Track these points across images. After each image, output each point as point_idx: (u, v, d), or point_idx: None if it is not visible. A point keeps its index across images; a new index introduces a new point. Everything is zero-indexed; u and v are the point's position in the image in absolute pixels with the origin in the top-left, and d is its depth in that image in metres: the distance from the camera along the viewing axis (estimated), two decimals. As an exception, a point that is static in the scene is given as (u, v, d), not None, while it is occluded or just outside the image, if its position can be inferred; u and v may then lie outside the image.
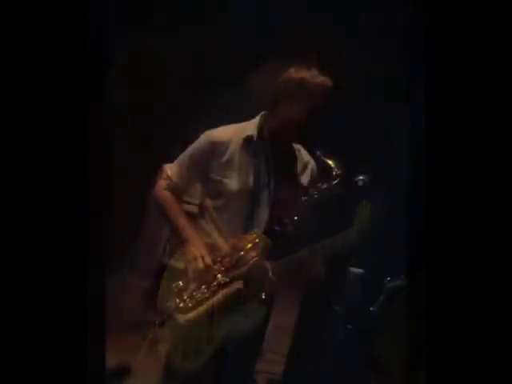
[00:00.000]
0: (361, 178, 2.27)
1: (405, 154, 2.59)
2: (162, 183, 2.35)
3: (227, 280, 2.18)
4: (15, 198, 1.62)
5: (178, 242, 2.28)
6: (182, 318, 2.18)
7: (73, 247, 1.64)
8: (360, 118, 3.10)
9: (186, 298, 2.20)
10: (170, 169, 2.34)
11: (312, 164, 2.38)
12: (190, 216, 2.34)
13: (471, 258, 1.60)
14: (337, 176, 2.21)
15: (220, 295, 2.16)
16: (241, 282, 2.15)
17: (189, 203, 2.59)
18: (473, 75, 1.64)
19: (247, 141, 2.26)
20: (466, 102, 1.65)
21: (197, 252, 2.20)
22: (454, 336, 1.61)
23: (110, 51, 1.94)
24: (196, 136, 2.32)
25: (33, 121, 1.63)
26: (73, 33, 1.67)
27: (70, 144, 1.66)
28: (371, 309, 2.86)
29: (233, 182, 2.23)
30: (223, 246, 2.24)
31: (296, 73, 2.23)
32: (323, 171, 2.27)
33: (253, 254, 2.18)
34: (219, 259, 2.21)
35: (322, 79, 2.21)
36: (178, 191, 2.33)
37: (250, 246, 2.20)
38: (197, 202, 2.37)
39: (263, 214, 2.25)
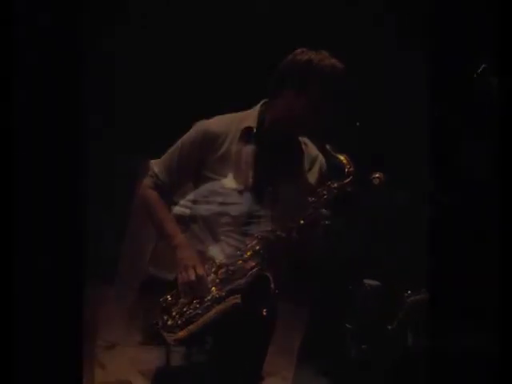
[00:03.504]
0: (377, 175, 2.14)
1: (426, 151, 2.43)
2: (147, 181, 2.21)
3: (223, 294, 2.05)
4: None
5: (166, 249, 2.15)
6: (170, 338, 2.06)
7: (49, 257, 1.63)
8: (377, 107, 2.99)
9: (175, 314, 2.07)
10: (156, 165, 2.20)
11: (321, 160, 2.23)
12: (180, 219, 2.21)
13: (496, 266, 1.54)
14: (349, 173, 2.07)
15: (214, 311, 2.03)
16: (238, 296, 2.01)
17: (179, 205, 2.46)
18: None
19: (246, 133, 2.13)
20: None
21: (188, 261, 2.07)
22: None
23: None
24: (187, 128, 2.19)
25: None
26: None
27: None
28: (389, 327, 2.69)
29: (229, 181, 2.10)
30: (218, 254, 2.11)
31: (302, 54, 2.08)
32: (334, 168, 2.14)
33: (252, 263, 2.05)
34: (214, 270, 2.08)
35: (332, 61, 2.05)
36: (166, 191, 2.20)
37: (249, 254, 2.06)
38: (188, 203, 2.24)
39: (264, 218, 2.11)
